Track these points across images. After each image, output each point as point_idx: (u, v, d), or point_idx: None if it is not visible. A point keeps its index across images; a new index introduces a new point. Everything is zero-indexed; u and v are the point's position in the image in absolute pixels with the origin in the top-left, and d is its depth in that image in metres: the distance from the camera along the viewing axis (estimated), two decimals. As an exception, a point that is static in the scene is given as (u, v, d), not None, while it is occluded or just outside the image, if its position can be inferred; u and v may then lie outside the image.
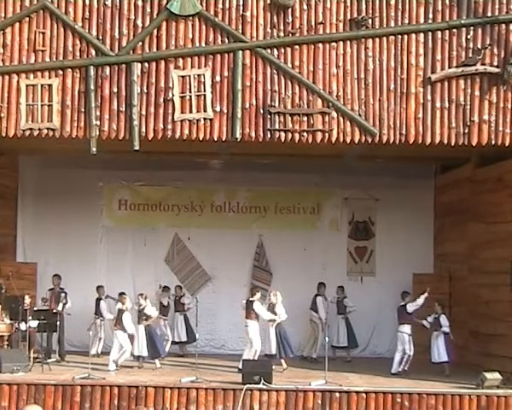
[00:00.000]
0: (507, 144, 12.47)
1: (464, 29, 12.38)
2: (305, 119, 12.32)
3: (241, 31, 12.28)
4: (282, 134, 12.33)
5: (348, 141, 12.39)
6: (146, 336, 14.36)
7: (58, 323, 14.62)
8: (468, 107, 12.37)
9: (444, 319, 14.62)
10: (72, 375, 12.74)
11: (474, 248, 15.35)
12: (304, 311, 16.14)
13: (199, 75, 12.29)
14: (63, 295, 15.09)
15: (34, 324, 14.16)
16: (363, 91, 12.36)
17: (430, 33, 12.36)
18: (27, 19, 12.27)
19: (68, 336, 15.48)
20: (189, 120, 12.29)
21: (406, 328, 14.35)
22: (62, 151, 15.08)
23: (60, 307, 14.91)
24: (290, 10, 12.30)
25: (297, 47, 12.34)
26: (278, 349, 14.30)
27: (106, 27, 12.28)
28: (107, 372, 13.41)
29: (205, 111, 12.29)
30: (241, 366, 13.32)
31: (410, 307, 14.38)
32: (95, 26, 12.28)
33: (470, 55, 12.33)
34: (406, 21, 12.37)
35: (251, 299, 14.35)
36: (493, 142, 12.43)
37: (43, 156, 16.56)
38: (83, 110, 12.25)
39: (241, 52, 12.27)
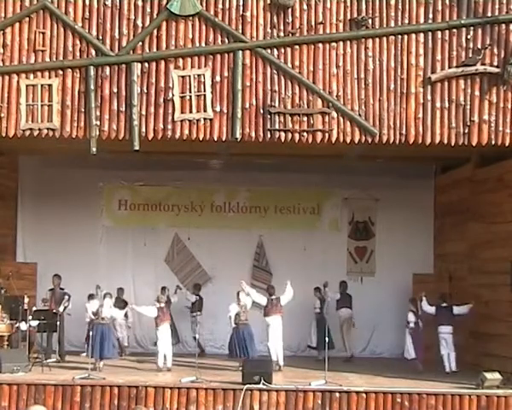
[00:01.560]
0: (507, 144, 12.48)
1: (464, 29, 12.39)
2: (305, 119, 12.32)
3: (241, 31, 12.28)
4: (282, 134, 12.33)
5: (348, 141, 12.39)
6: (99, 335, 13.84)
7: (58, 323, 14.61)
8: (468, 107, 12.38)
9: (411, 316, 14.67)
10: (72, 375, 12.72)
11: (474, 248, 15.35)
12: (303, 311, 16.12)
13: (199, 75, 12.28)
14: (66, 297, 15.02)
15: (34, 324, 14.15)
16: (363, 91, 12.36)
17: (430, 33, 12.37)
18: (27, 19, 12.28)
19: (68, 336, 15.49)
20: (189, 120, 12.29)
21: (449, 329, 14.39)
22: (62, 151, 15.06)
23: (61, 309, 14.88)
24: (290, 10, 12.30)
25: (297, 47, 12.34)
26: (236, 349, 14.32)
27: (106, 27, 12.29)
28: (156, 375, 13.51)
29: (205, 111, 12.29)
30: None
31: (457, 310, 14.47)
32: (95, 26, 12.28)
33: (470, 55, 12.34)
34: (406, 21, 12.38)
35: (276, 296, 14.50)
36: (493, 142, 12.44)
37: (43, 156, 16.54)
38: (83, 110, 12.25)
39: (241, 52, 12.27)
